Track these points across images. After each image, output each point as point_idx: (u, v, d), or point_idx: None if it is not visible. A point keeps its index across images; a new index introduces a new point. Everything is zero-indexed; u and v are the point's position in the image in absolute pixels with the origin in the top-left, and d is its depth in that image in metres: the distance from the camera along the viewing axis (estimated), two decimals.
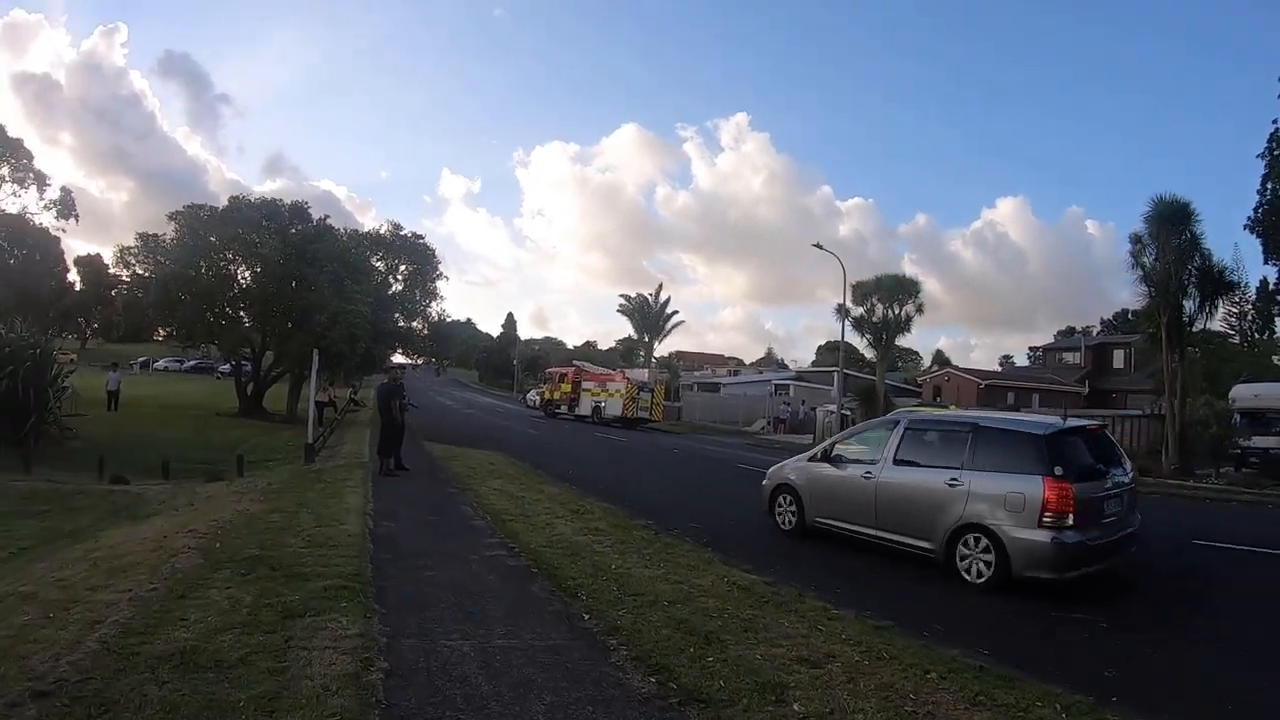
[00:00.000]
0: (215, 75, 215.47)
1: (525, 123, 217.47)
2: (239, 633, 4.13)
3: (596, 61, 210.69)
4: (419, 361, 38.25)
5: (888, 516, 7.60)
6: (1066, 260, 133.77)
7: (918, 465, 7.50)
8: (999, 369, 56.44)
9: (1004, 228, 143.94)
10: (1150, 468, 20.53)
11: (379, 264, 32.13)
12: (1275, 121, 23.15)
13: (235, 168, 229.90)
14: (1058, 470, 6.43)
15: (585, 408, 35.69)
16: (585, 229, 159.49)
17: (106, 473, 13.95)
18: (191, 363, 61.74)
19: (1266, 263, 24.03)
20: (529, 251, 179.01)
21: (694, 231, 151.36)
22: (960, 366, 45.72)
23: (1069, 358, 45.67)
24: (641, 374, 36.76)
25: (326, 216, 31.04)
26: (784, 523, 8.95)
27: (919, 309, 30.97)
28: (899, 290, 30.91)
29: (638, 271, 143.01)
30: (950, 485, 6.99)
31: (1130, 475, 7.38)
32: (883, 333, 31.38)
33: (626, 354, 70.91)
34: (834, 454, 8.49)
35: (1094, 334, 56.70)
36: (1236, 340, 25.20)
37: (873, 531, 7.77)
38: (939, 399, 37.38)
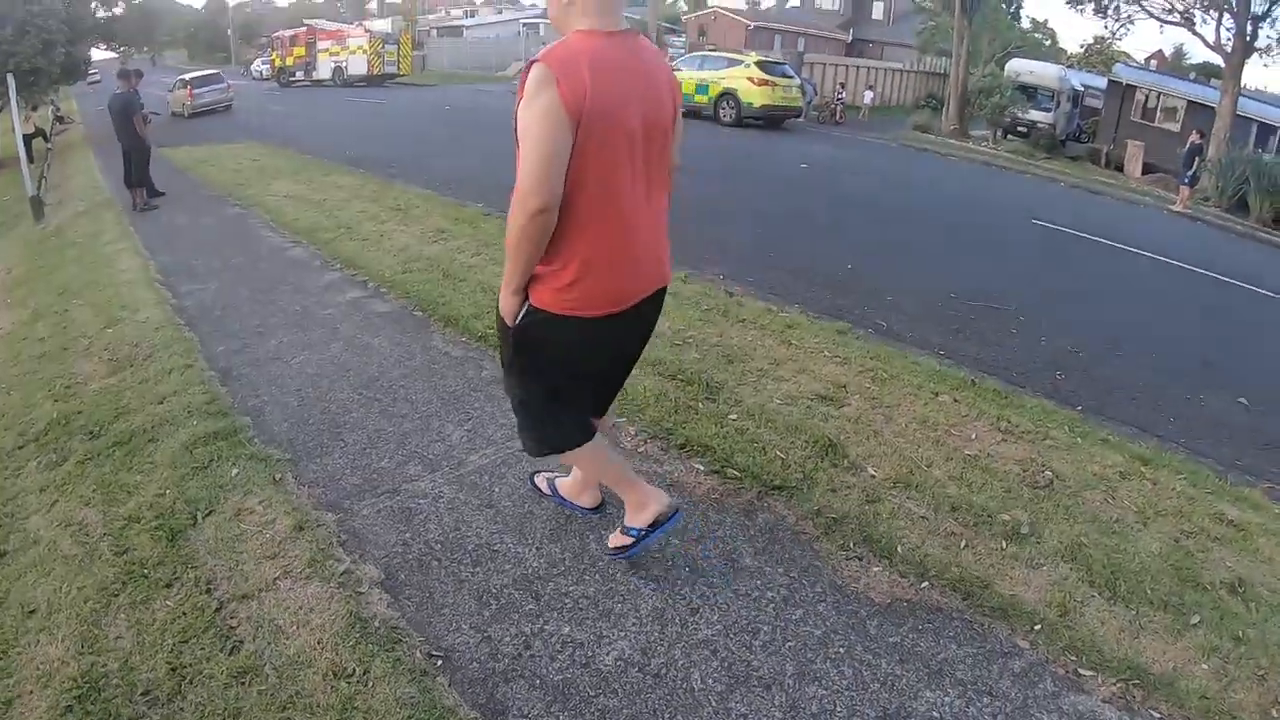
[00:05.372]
0: None
1: None
2: (128, 606, 2.29)
3: None
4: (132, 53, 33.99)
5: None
6: None
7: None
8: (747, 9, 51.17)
9: None
10: (929, 125, 22.22)
11: None
12: None
13: None
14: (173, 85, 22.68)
15: (324, 70, 31.50)
16: None
17: None
18: None
19: None
20: None
21: None
22: (728, 8, 42.12)
23: (825, 3, 44.09)
24: (383, 24, 32.65)
25: None
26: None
27: None
28: None
29: None
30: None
31: (224, 85, 21.53)
32: None
33: (355, 4, 60.85)
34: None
35: None
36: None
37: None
38: (703, 37, 36.01)
